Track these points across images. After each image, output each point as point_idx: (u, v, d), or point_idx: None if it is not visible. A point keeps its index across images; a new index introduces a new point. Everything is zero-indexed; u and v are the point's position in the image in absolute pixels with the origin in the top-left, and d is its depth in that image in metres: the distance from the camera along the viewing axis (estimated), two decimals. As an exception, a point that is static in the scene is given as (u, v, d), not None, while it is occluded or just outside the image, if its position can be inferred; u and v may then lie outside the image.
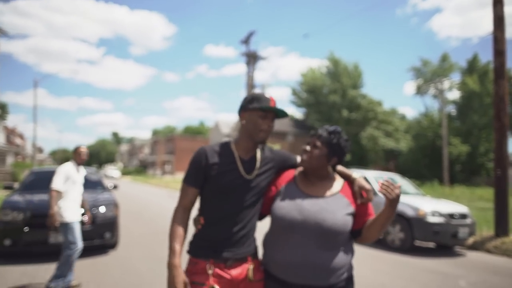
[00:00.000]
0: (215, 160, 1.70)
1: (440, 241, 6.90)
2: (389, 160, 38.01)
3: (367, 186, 1.73)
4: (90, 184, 6.29)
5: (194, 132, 68.82)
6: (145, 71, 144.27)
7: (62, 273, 4.07)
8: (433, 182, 25.74)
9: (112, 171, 52.23)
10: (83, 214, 4.63)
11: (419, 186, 21.85)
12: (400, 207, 7.06)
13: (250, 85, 21.43)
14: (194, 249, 1.71)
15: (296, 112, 44.58)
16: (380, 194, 1.77)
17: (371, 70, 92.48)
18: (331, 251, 1.65)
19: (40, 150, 73.90)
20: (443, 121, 27.04)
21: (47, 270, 4.93)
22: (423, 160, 32.05)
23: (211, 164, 1.69)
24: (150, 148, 67.52)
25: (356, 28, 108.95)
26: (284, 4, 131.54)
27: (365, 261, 5.89)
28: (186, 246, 1.71)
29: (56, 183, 4.19)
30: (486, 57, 35.95)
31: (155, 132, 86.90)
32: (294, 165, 1.88)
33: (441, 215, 6.78)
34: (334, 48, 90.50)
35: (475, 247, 7.31)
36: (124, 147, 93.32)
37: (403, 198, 7.37)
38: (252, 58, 21.53)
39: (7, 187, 6.97)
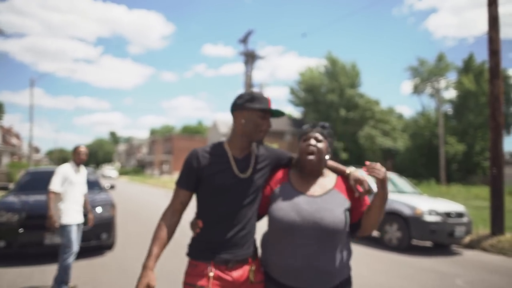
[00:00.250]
0: (208, 161, 1.68)
1: (437, 240, 6.92)
2: (387, 159, 38.10)
3: (362, 178, 1.72)
4: (87, 185, 6.25)
5: (192, 132, 68.73)
6: (143, 70, 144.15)
7: (63, 278, 4.04)
8: (430, 181, 25.86)
9: (109, 171, 52.10)
10: (85, 215, 4.57)
11: (416, 185, 21.93)
12: (397, 206, 7.08)
13: (248, 84, 21.42)
14: (194, 252, 1.69)
15: (294, 112, 44.65)
16: (369, 178, 1.76)
17: (368, 69, 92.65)
18: (331, 253, 1.63)
19: (36, 150, 73.57)
20: (440, 120, 27.16)
21: (42, 271, 4.92)
22: (420, 159, 32.18)
23: (203, 165, 1.67)
24: (148, 148, 67.39)
25: (353, 28, 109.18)
26: (282, 3, 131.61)
27: (362, 260, 5.90)
28: (180, 249, 1.70)
29: (54, 185, 4.15)
30: (482, 56, 36.17)
31: (153, 132, 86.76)
32: (288, 162, 1.87)
33: (438, 214, 6.80)
34: (331, 47, 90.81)
35: (471, 245, 7.34)
36: (121, 147, 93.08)
37: (400, 197, 7.40)
38: (250, 58, 21.51)
39: (2, 188, 6.92)
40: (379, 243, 7.26)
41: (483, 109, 30.25)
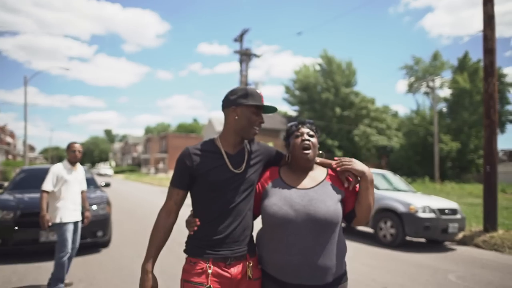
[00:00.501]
0: (201, 159, 1.68)
1: (430, 236, 6.99)
2: (381, 157, 38.30)
3: (350, 168, 1.75)
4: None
5: (187, 130, 68.52)
6: (138, 69, 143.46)
7: (59, 276, 4.03)
8: (424, 179, 26.04)
9: (105, 170, 51.87)
10: (83, 213, 4.55)
11: (410, 183, 22.09)
12: (392, 203, 7.15)
13: (244, 83, 21.39)
14: (192, 249, 1.68)
15: (289, 110, 44.66)
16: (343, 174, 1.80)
17: (364, 68, 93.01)
18: (326, 247, 1.63)
19: (31, 149, 73.05)
20: (434, 119, 27.34)
21: (38, 269, 4.91)
22: (415, 157, 32.39)
23: (196, 163, 1.67)
24: (143, 146, 67.12)
25: (348, 27, 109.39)
26: (277, 2, 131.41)
27: (357, 256, 5.95)
28: (176, 246, 1.72)
29: (46, 185, 4.12)
30: (477, 55, 36.40)
31: (148, 130, 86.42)
32: (280, 160, 1.88)
33: (431, 210, 6.87)
34: (327, 46, 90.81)
35: (464, 242, 7.42)
36: (117, 145, 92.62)
37: (394, 194, 7.46)
38: (245, 56, 21.48)
39: (-3, 186, 6.88)
40: (374, 240, 7.33)
41: (478, 107, 30.51)
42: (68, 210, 4.16)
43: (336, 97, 37.02)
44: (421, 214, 6.78)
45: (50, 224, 4.08)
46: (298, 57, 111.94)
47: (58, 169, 4.25)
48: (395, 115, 42.81)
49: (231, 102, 1.71)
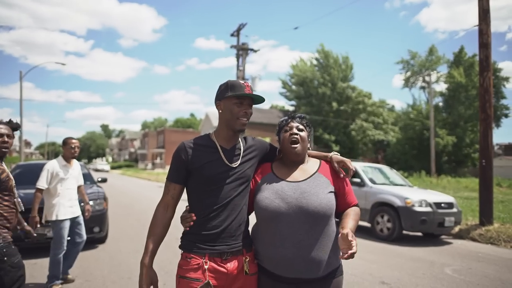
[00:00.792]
0: (197, 153, 1.68)
1: (427, 230, 7.03)
2: (378, 152, 38.43)
3: (345, 159, 1.79)
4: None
5: (184, 125, 68.33)
6: (135, 64, 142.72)
7: (54, 273, 4.01)
8: (421, 173, 26.16)
9: (102, 165, 51.72)
10: (83, 207, 4.51)
11: (406, 177, 22.20)
12: (388, 197, 7.17)
13: (241, 78, 21.31)
14: (188, 245, 1.66)
15: (286, 105, 44.62)
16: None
17: (360, 62, 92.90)
18: (320, 240, 1.63)
19: (27, 144, 72.60)
20: (431, 113, 27.39)
21: (34, 265, 4.89)
22: (411, 152, 32.51)
23: (192, 157, 1.67)
24: (140, 142, 66.90)
25: (345, 22, 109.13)
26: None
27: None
28: (174, 241, 1.70)
29: (40, 182, 4.06)
30: (472, 50, 36.41)
31: (145, 125, 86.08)
32: (275, 154, 1.89)
33: (428, 204, 6.90)
34: (323, 41, 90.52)
35: (460, 235, 7.47)
36: (114, 141, 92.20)
37: (391, 189, 7.48)
38: (242, 51, 21.37)
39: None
40: (371, 234, 7.36)
41: (473, 101, 30.62)
42: (64, 207, 4.12)
43: (333, 91, 36.99)
44: (418, 208, 6.81)
45: (43, 222, 4.06)
46: (295, 52, 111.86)
47: (52, 166, 4.17)
48: (391, 109, 42.88)
49: (216, 97, 1.75)
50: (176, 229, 1.74)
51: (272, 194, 1.68)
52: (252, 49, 21.62)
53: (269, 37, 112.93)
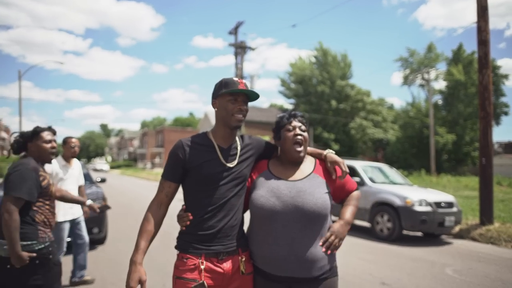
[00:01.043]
0: (194, 152, 1.67)
1: (427, 229, 7.01)
2: (378, 150, 38.42)
3: (338, 159, 1.75)
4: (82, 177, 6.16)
5: (183, 124, 68.24)
6: (133, 63, 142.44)
7: None
8: (420, 172, 26.16)
9: (101, 165, 51.66)
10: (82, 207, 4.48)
11: (406, 176, 22.20)
12: (388, 197, 7.15)
13: (239, 76, 21.26)
14: (184, 245, 1.66)
15: (285, 103, 44.57)
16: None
17: (359, 60, 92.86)
18: (314, 240, 1.62)
19: (25, 144, 72.08)
20: (430, 111, 27.39)
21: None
22: (411, 150, 32.50)
23: (189, 156, 1.66)
24: (139, 141, 66.80)
25: (343, 19, 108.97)
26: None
27: (353, 250, 5.96)
28: (173, 242, 1.67)
29: None
30: (471, 47, 36.40)
31: (144, 124, 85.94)
32: (273, 151, 1.87)
33: (428, 204, 6.88)
34: (322, 38, 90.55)
35: (461, 235, 7.45)
36: (113, 140, 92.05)
37: (390, 188, 7.46)
38: (240, 49, 21.32)
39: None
40: (371, 234, 7.34)
41: (473, 99, 30.60)
42: (63, 209, 4.06)
43: (332, 89, 36.93)
44: (418, 208, 6.79)
45: None
46: (293, 50, 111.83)
47: (51, 165, 4.14)
48: (390, 107, 42.85)
49: (212, 96, 1.75)
50: (176, 229, 1.72)
51: (268, 192, 1.67)
52: (249, 47, 21.58)
53: (267, 35, 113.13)
